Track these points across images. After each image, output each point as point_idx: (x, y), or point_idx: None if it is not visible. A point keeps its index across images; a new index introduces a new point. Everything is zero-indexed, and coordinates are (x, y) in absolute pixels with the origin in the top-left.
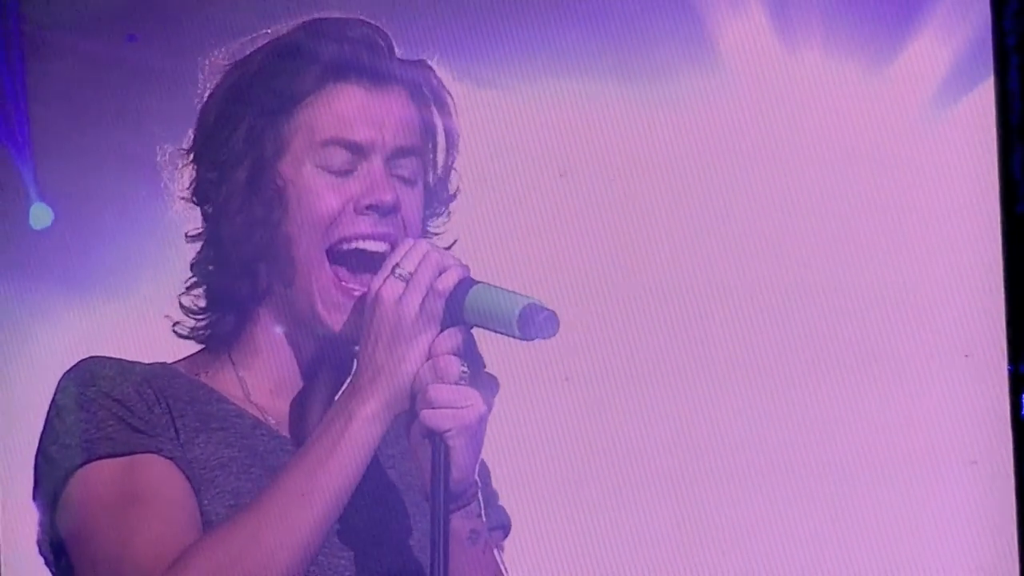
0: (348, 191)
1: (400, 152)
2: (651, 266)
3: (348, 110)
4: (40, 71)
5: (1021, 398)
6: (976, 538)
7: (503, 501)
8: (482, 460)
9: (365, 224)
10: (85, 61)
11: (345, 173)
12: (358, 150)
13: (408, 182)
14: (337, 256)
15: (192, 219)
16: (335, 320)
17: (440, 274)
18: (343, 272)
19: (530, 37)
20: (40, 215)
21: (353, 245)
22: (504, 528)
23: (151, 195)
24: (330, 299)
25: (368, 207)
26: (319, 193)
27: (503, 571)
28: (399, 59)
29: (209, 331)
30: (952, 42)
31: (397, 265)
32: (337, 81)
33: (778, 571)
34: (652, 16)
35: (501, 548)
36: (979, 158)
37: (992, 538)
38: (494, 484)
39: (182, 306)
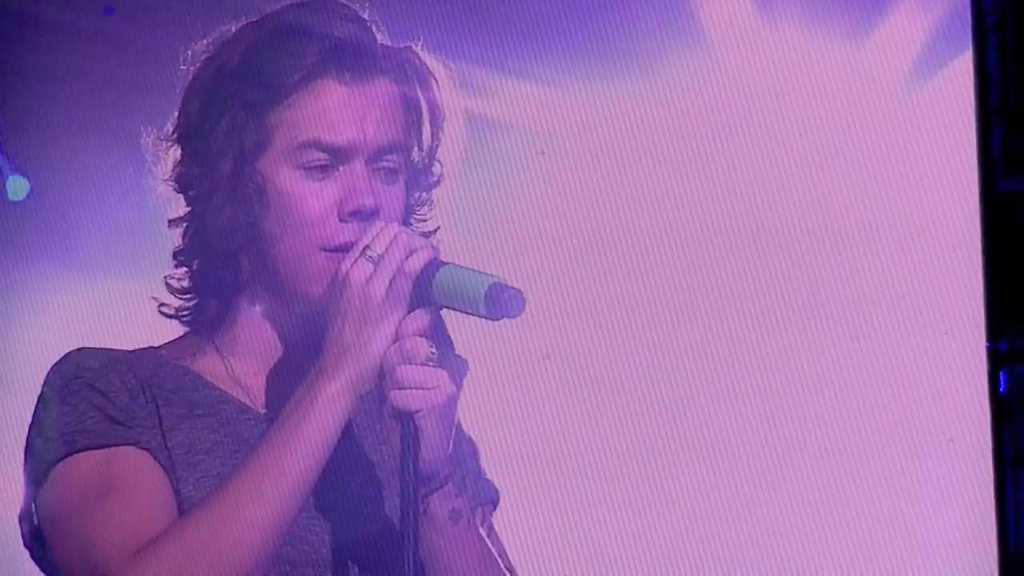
0: (329, 196)
1: (383, 149)
2: (630, 242)
3: (330, 110)
4: (10, 42)
5: (999, 375)
6: (954, 516)
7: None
8: (470, 437)
9: (350, 233)
10: (59, 33)
11: (326, 174)
12: (339, 151)
13: (391, 173)
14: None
15: (174, 201)
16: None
17: (409, 255)
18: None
19: (506, 13)
20: (16, 187)
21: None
22: (493, 502)
23: (133, 168)
24: (322, 278)
25: (350, 213)
26: (301, 198)
27: (489, 548)
28: (383, 45)
29: (193, 314)
30: (929, 14)
31: (367, 247)
32: (320, 78)
33: (759, 547)
34: None
35: (491, 522)
36: (958, 135)
37: (970, 516)
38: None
39: (167, 286)
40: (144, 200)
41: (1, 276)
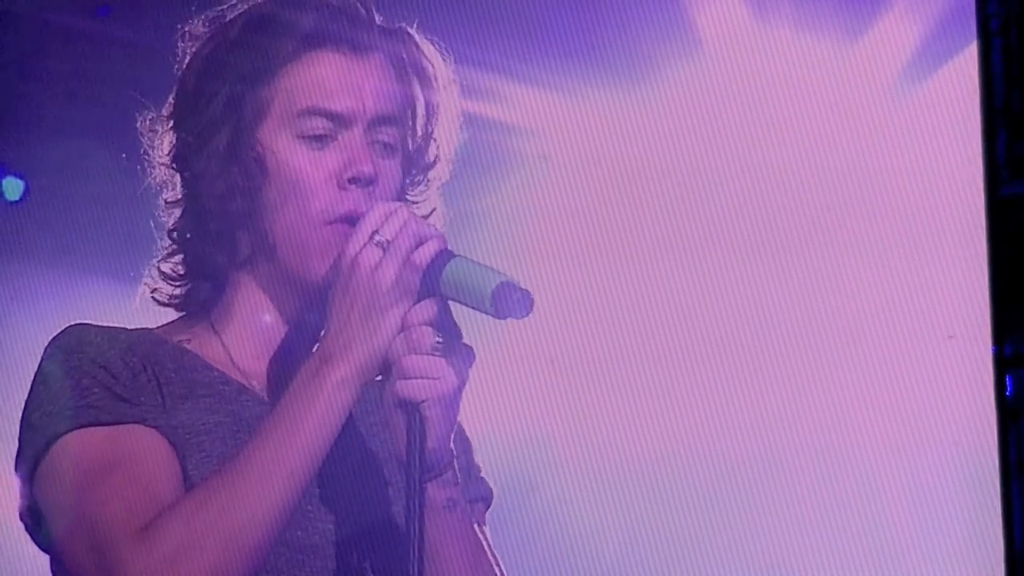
0: (328, 164)
1: (380, 120)
2: (637, 250)
3: (328, 78)
4: (1, 43)
5: (1005, 379)
6: (959, 519)
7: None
8: (464, 433)
9: (349, 201)
10: (53, 34)
11: (324, 143)
12: (337, 119)
13: (389, 148)
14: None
15: (170, 184)
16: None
17: (419, 245)
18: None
19: (508, 17)
20: (11, 188)
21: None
22: (486, 500)
23: (127, 166)
24: (324, 252)
25: (350, 180)
26: (299, 166)
27: (481, 539)
28: (379, 26)
29: (188, 298)
30: (924, 16)
31: (376, 231)
32: (316, 49)
33: (764, 551)
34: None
35: (483, 520)
36: (958, 139)
37: (976, 519)
38: (476, 459)
39: (161, 272)
40: (138, 200)
41: None
